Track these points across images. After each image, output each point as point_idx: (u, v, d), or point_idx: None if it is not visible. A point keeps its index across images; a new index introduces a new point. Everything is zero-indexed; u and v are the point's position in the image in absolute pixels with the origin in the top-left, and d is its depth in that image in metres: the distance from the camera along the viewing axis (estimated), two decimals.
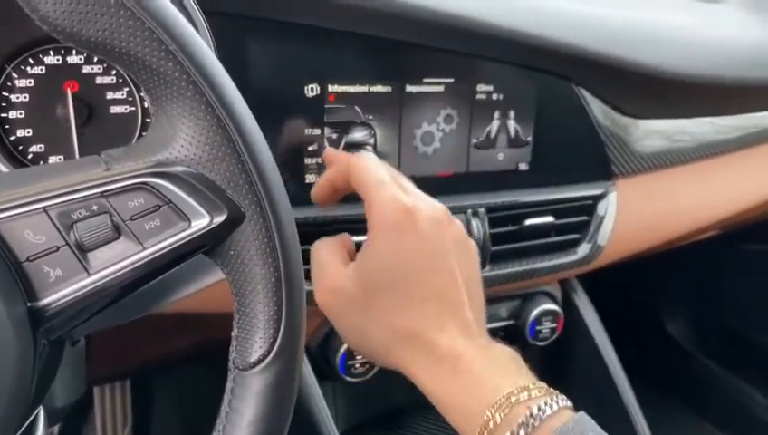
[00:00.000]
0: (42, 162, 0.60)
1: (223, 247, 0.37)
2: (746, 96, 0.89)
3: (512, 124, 0.73)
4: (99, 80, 0.60)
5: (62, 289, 0.34)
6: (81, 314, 0.35)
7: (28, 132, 0.59)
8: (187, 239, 0.36)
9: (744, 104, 0.90)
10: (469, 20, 0.66)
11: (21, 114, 0.58)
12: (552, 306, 0.81)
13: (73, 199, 0.34)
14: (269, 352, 0.38)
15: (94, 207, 0.34)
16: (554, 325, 0.81)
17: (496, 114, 0.72)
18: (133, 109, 0.62)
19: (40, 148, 0.59)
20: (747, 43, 0.91)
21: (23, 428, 0.37)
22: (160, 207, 0.35)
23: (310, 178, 0.67)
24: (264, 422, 0.38)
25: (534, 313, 0.80)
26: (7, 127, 0.58)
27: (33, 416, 0.40)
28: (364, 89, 0.66)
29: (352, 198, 0.67)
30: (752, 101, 0.90)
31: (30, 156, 0.59)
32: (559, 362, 0.88)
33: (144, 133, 0.63)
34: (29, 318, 0.33)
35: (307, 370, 0.71)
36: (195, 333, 0.69)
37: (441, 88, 0.69)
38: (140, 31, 0.33)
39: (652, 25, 0.82)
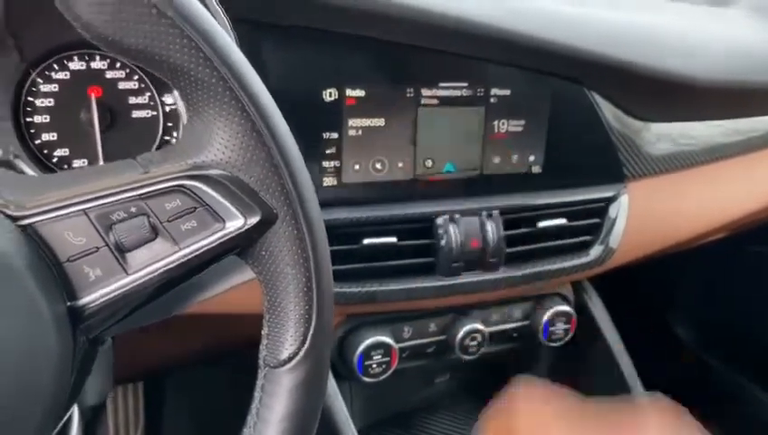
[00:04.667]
0: (66, 166, 0.61)
1: (255, 248, 0.38)
2: (755, 100, 0.90)
3: (525, 127, 0.74)
4: (121, 85, 0.61)
5: (101, 288, 0.35)
6: (118, 312, 0.36)
7: (53, 136, 0.60)
8: (221, 240, 0.37)
9: (753, 108, 0.91)
10: (483, 25, 0.67)
11: (46, 119, 0.59)
12: (565, 308, 0.82)
13: (112, 202, 0.35)
14: (299, 350, 0.39)
15: (132, 209, 0.35)
16: (567, 326, 0.82)
17: (510, 117, 0.73)
18: (155, 113, 0.63)
19: (64, 151, 0.60)
20: (756, 47, 0.92)
21: (61, 423, 0.38)
22: (196, 208, 0.36)
23: (327, 180, 0.68)
24: (295, 418, 0.39)
25: (548, 314, 0.81)
26: (33, 131, 0.59)
27: (69, 413, 0.41)
28: (381, 93, 0.67)
29: (376, 200, 0.69)
30: (760, 105, 0.91)
31: (55, 159, 0.61)
32: (572, 363, 0.89)
33: (166, 137, 0.64)
34: (69, 317, 0.34)
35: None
36: (212, 334, 0.70)
37: (456, 92, 0.70)
38: (179, 39, 0.34)
39: (662, 30, 0.83)
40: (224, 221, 0.37)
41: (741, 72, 0.86)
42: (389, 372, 0.73)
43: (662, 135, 0.83)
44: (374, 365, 0.72)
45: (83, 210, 0.35)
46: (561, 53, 0.71)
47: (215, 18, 0.50)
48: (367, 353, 0.71)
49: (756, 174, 0.96)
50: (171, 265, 0.36)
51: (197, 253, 0.37)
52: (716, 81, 0.82)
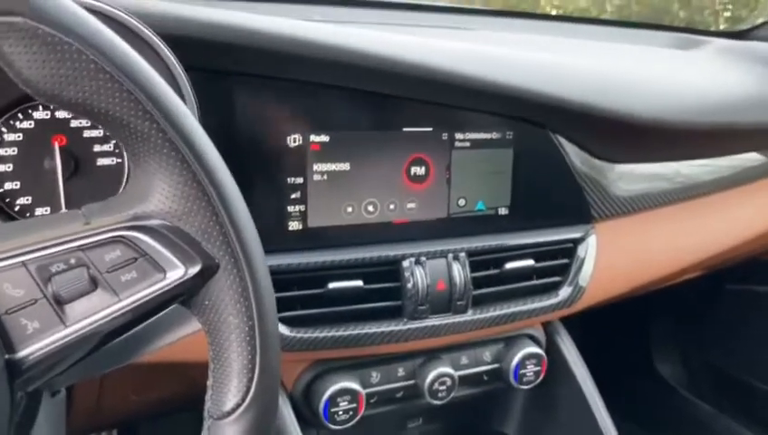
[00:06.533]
0: (28, 214, 0.61)
1: (198, 298, 0.38)
2: (717, 140, 0.91)
3: (490, 170, 0.74)
4: (86, 133, 0.62)
5: (39, 341, 0.35)
6: (58, 365, 0.36)
7: (16, 185, 0.60)
8: (162, 290, 0.37)
9: (716, 148, 0.92)
10: (445, 72, 0.68)
11: (9, 167, 0.60)
12: (536, 349, 0.81)
13: (52, 253, 0.35)
14: (243, 401, 0.38)
15: (72, 261, 0.35)
16: (538, 368, 0.81)
17: (475, 161, 0.74)
18: (119, 160, 0.63)
19: (27, 200, 0.61)
20: (720, 89, 0.94)
21: None
22: (136, 259, 0.37)
23: (293, 225, 0.68)
24: None
25: (518, 356, 0.80)
26: None
27: None
28: (346, 138, 0.68)
29: (342, 243, 0.69)
30: (723, 145, 0.93)
31: (17, 208, 0.61)
32: (544, 406, 0.88)
33: None
34: (6, 370, 0.34)
35: (290, 417, 0.71)
36: (177, 382, 0.69)
37: (420, 137, 0.71)
38: (119, 92, 0.34)
39: (625, 72, 0.85)
40: (164, 271, 0.37)
41: (704, 113, 0.87)
42: (357, 418, 0.72)
43: (628, 176, 0.85)
44: (340, 412, 0.71)
45: (22, 262, 0.35)
46: (524, 98, 0.73)
47: (168, 67, 0.52)
48: (333, 400, 0.70)
49: (725, 213, 0.97)
50: (111, 317, 0.36)
51: (138, 303, 0.37)
52: (679, 122, 0.83)
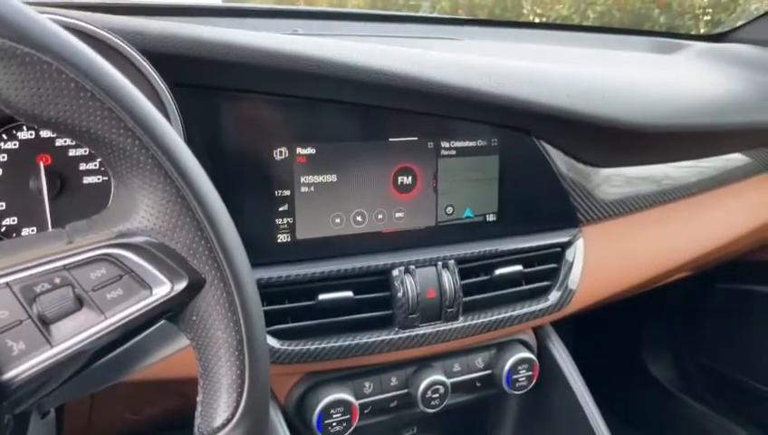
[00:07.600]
0: (14, 234, 0.61)
1: (185, 313, 0.38)
2: (700, 142, 0.92)
3: (477, 177, 0.75)
4: (71, 152, 0.62)
5: (25, 362, 0.34)
6: (46, 385, 0.36)
7: (1, 206, 0.60)
8: (149, 307, 0.37)
9: (699, 150, 0.93)
10: (431, 82, 0.69)
11: None
12: (528, 354, 0.81)
13: (36, 273, 0.35)
14: (233, 416, 0.38)
15: (57, 280, 0.35)
16: (530, 373, 0.81)
17: (461, 169, 0.74)
18: (105, 178, 0.63)
19: (13, 220, 0.60)
20: (700, 91, 0.95)
21: None
22: (122, 276, 0.36)
23: (281, 237, 0.68)
24: None
25: (510, 361, 0.80)
26: None
27: None
28: (332, 150, 0.68)
29: (331, 255, 0.69)
30: (706, 147, 0.94)
31: (3, 229, 0.60)
32: (537, 410, 0.89)
33: None
34: None
35: (283, 430, 0.70)
36: (170, 399, 0.69)
37: (406, 146, 0.71)
38: (100, 110, 0.35)
39: (606, 79, 0.86)
40: (150, 288, 0.37)
41: (686, 115, 0.88)
42: (350, 429, 0.72)
43: (614, 179, 0.85)
44: (334, 424, 0.70)
45: (6, 283, 0.35)
46: (509, 106, 0.73)
47: (151, 84, 0.52)
48: (326, 412, 0.70)
49: (712, 213, 0.98)
50: (98, 335, 0.36)
51: (125, 321, 0.36)
52: (661, 125, 0.84)
